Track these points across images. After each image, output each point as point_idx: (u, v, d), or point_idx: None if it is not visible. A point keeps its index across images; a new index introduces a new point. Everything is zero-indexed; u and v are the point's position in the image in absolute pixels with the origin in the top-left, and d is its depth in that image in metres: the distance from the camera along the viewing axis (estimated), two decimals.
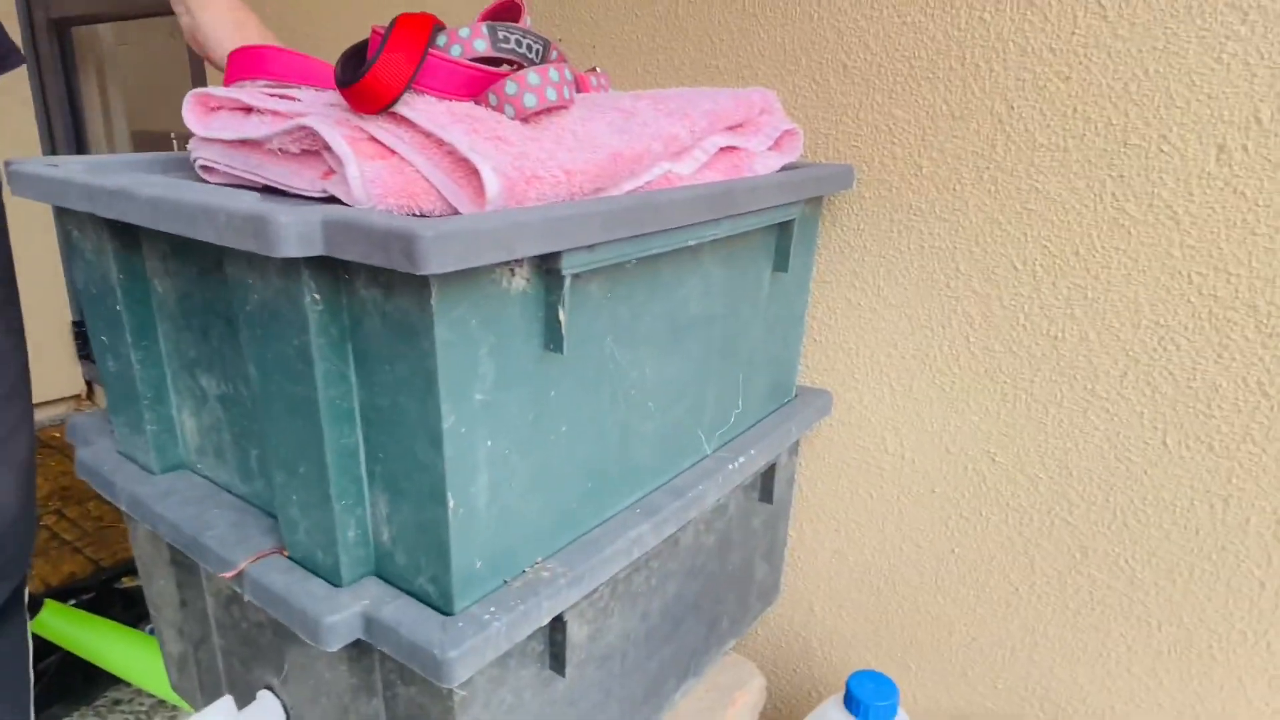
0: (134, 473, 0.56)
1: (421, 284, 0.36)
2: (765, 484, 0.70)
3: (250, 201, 0.37)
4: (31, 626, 0.87)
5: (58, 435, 1.94)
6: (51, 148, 1.96)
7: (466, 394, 0.40)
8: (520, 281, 0.41)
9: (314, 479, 0.43)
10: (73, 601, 1.25)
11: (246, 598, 0.47)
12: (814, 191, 0.62)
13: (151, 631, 1.14)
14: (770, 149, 0.63)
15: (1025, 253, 0.64)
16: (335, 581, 0.45)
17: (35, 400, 0.62)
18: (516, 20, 0.62)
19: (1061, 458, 0.66)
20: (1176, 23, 0.55)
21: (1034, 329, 0.65)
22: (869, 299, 0.72)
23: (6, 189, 0.60)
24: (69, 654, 1.07)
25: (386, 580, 0.46)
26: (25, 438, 0.62)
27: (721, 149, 0.60)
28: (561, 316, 0.42)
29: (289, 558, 0.48)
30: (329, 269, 0.39)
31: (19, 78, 1.88)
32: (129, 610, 1.27)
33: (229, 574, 0.47)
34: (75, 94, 1.96)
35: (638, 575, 0.57)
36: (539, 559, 0.48)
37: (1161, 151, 0.57)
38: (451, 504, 0.40)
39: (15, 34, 1.88)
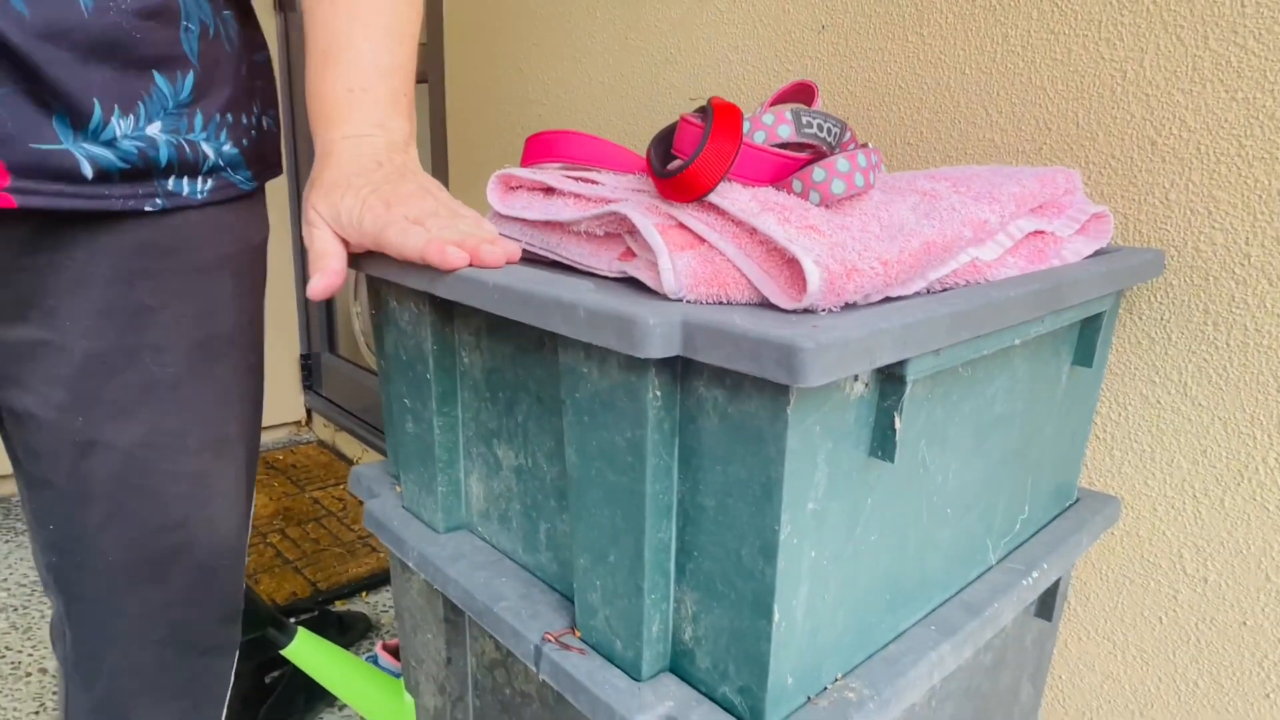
0: (421, 531, 0.59)
1: (778, 390, 0.35)
2: (1046, 599, 0.63)
3: (611, 300, 0.38)
4: (286, 651, 0.94)
5: (282, 458, 2.14)
6: (296, 188, 2.19)
7: (802, 503, 0.38)
8: (860, 387, 0.39)
9: (624, 569, 0.43)
10: (293, 621, 1.35)
11: (541, 677, 0.47)
12: (1130, 282, 0.56)
13: (368, 658, 1.20)
14: (1077, 233, 0.58)
15: None
16: (634, 675, 0.44)
17: (263, 424, 0.64)
18: (810, 101, 0.61)
19: None
20: None
21: None
22: (1171, 397, 0.65)
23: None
24: (295, 674, 1.15)
25: (682, 678, 0.44)
26: (251, 475, 0.64)
27: (1028, 234, 0.55)
28: (898, 424, 0.40)
29: (581, 639, 0.47)
30: (668, 365, 0.39)
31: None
32: (343, 635, 1.36)
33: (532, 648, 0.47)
34: None
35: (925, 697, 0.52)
36: (839, 675, 0.45)
37: None
38: (776, 617, 0.38)
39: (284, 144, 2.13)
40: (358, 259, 0.53)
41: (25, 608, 1.47)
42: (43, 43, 0.43)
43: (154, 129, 0.50)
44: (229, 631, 0.67)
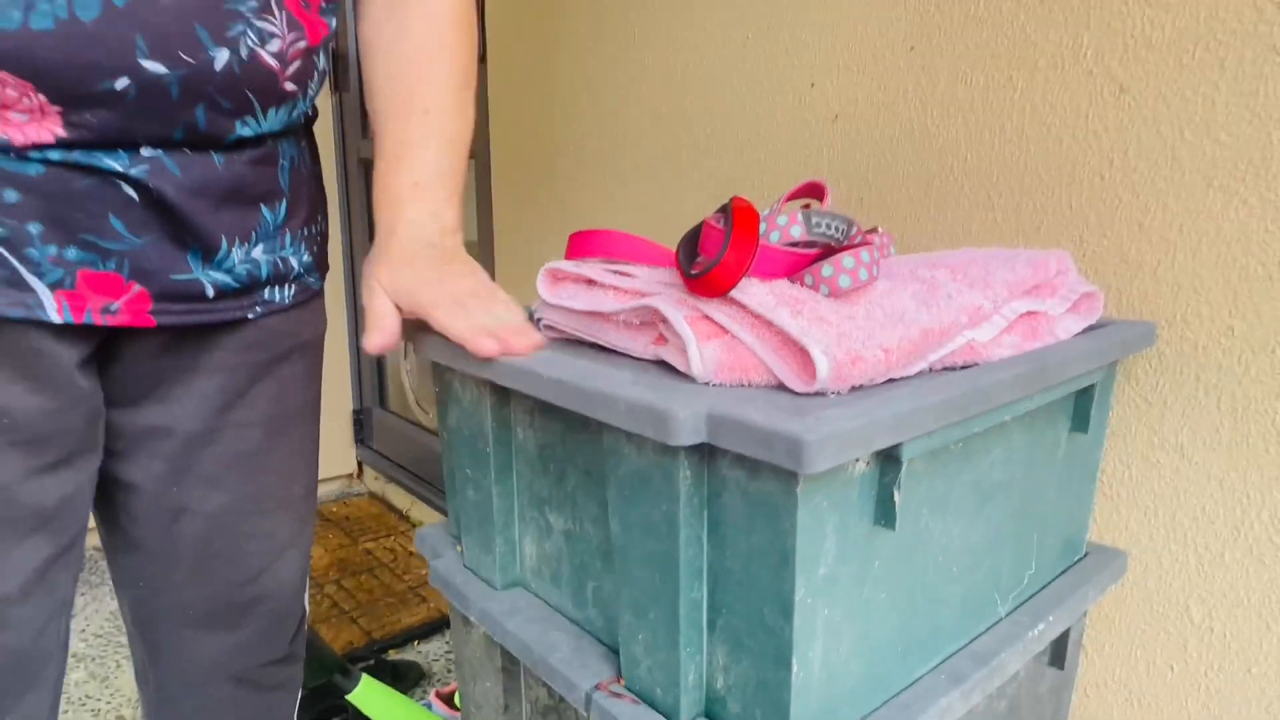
0: (481, 588, 0.66)
1: (789, 473, 0.42)
2: (1057, 649, 0.67)
3: (648, 394, 0.45)
4: (351, 696, 1.01)
5: (335, 510, 2.23)
6: (350, 256, 2.33)
7: (814, 568, 0.44)
8: (861, 466, 0.45)
9: (662, 625, 0.49)
10: None
11: None
12: (1121, 354, 0.62)
13: (423, 704, 1.27)
14: (1068, 311, 0.64)
15: None
16: (673, 719, 0.50)
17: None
18: (821, 198, 0.69)
19: None
20: None
21: None
22: (1170, 458, 0.69)
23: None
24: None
25: None
26: (311, 529, 0.73)
27: (1022, 314, 0.61)
28: (897, 498, 0.46)
29: (625, 686, 0.53)
30: (697, 448, 0.46)
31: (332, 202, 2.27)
32: (398, 682, 1.42)
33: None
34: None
35: None
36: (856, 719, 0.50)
37: None
38: (795, 668, 0.44)
39: (331, 172, 2.28)
40: (431, 348, 0.61)
41: (102, 658, 1.56)
42: (191, 196, 0.53)
43: (258, 252, 0.60)
44: (292, 670, 0.75)
